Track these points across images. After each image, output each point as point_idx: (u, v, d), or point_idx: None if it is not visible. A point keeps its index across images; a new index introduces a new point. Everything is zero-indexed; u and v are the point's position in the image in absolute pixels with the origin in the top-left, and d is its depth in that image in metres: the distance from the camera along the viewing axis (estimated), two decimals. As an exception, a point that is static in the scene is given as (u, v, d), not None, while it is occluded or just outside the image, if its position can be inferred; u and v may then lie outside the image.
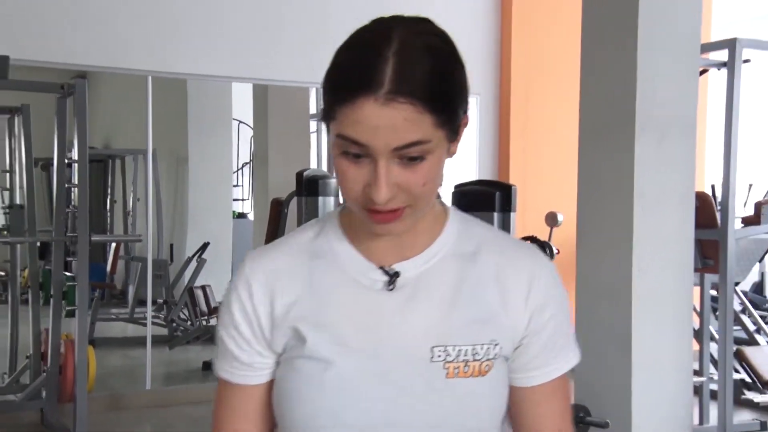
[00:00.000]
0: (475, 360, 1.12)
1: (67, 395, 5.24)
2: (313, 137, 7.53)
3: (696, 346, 5.13)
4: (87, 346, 5.00)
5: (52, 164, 5.89)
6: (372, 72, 0.95)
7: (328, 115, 1.01)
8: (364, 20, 1.05)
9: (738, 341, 6.03)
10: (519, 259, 1.19)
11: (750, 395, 5.46)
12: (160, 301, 7.25)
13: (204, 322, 7.19)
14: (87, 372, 4.96)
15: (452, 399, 1.12)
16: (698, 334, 5.23)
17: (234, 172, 8.27)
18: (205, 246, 7.30)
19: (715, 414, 5.52)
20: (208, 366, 6.97)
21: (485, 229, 1.22)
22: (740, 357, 5.65)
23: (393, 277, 1.12)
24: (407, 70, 0.95)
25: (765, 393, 5.31)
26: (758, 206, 4.85)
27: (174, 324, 7.12)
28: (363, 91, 0.95)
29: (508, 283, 1.16)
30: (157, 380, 6.75)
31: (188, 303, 7.26)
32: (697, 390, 5.28)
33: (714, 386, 5.08)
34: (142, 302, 6.93)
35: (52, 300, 5.36)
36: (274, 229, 5.65)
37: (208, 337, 7.06)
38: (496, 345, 1.14)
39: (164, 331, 7.07)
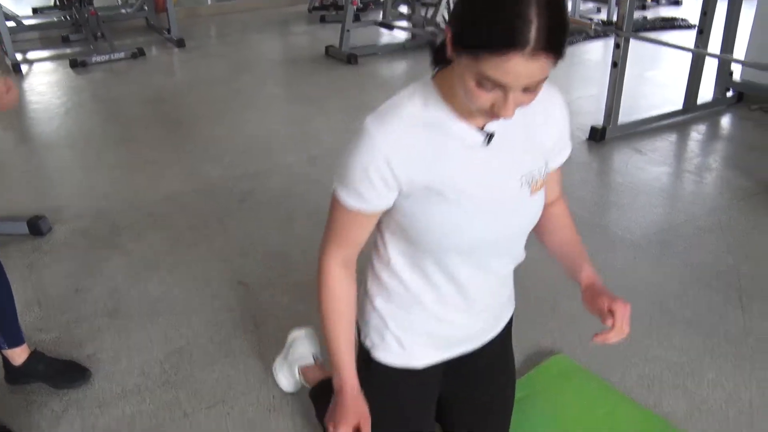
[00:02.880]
0: (539, 178, 1.19)
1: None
2: None
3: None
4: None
5: None
6: (521, 33, 0.88)
7: (469, 49, 0.93)
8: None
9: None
10: (548, 100, 1.18)
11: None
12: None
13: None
14: (170, -8, 5.94)
15: (531, 209, 1.21)
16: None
17: None
18: None
19: None
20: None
21: None
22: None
23: (490, 136, 1.12)
24: (548, 30, 0.89)
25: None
26: None
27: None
28: (513, 49, 0.89)
29: (548, 120, 1.20)
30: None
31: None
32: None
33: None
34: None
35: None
36: None
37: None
38: (546, 164, 1.22)
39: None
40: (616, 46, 3.56)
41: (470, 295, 1.26)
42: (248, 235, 2.78)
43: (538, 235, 1.38)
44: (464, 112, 1.08)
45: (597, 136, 3.66)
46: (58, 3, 6.36)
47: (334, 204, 1.15)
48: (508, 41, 0.89)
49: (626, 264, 2.54)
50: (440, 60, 1.10)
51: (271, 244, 2.70)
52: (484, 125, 1.11)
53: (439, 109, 1.09)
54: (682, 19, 6.48)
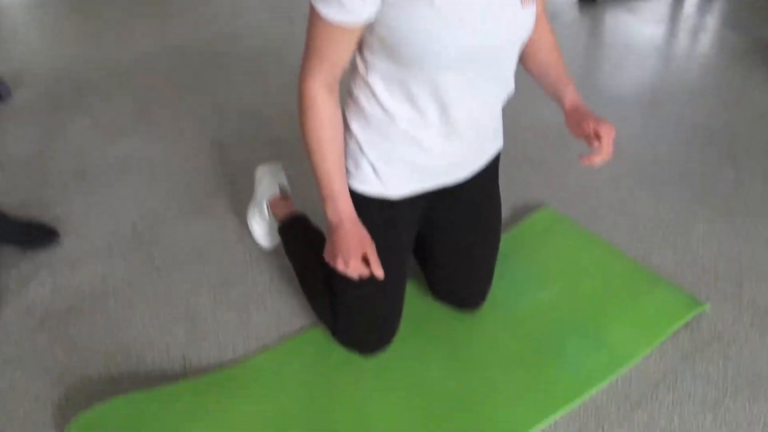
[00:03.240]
0: None
1: None
2: None
3: None
4: None
5: None
6: None
7: None
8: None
9: None
10: None
11: None
12: None
13: None
14: None
15: (521, 21, 1.09)
16: None
17: None
18: None
19: None
20: None
21: None
22: None
23: None
24: None
25: None
26: None
27: None
28: None
29: None
30: None
31: None
32: None
33: None
34: None
35: None
36: None
37: None
38: None
39: None
40: None
41: (453, 116, 1.15)
42: (222, 94, 2.61)
43: (522, 61, 1.28)
44: None
45: (590, -5, 3.44)
46: None
47: (314, 20, 1.05)
48: None
49: (618, 124, 2.42)
50: None
51: (245, 102, 2.55)
52: None
53: None
54: None
